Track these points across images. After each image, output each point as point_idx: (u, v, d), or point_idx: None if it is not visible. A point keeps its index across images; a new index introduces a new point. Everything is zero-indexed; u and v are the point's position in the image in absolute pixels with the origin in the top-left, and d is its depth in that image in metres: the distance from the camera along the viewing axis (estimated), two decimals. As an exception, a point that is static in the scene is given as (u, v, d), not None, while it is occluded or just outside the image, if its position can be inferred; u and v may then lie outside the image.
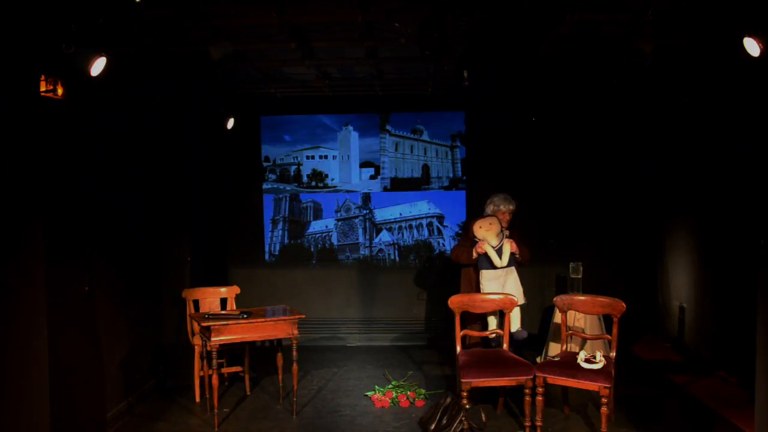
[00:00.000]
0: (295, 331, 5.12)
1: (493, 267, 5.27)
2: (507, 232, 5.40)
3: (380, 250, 7.73)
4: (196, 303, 5.79)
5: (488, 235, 5.29)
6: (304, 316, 5.15)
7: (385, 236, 7.74)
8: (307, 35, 4.93)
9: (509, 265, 5.29)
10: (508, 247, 5.27)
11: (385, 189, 7.70)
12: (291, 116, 7.72)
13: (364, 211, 7.72)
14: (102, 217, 4.99)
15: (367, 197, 7.72)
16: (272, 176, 7.78)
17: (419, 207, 7.70)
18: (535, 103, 7.11)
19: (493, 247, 5.26)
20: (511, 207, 5.50)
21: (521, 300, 5.23)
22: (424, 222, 7.70)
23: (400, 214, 7.73)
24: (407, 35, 4.62)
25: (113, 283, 5.17)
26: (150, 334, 5.96)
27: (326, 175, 7.75)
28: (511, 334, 5.06)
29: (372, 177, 7.71)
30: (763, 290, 3.63)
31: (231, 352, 5.82)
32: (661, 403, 5.36)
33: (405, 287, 7.69)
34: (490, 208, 5.49)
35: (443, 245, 7.67)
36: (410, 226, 7.73)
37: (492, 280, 5.29)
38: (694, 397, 5.05)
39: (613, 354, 4.76)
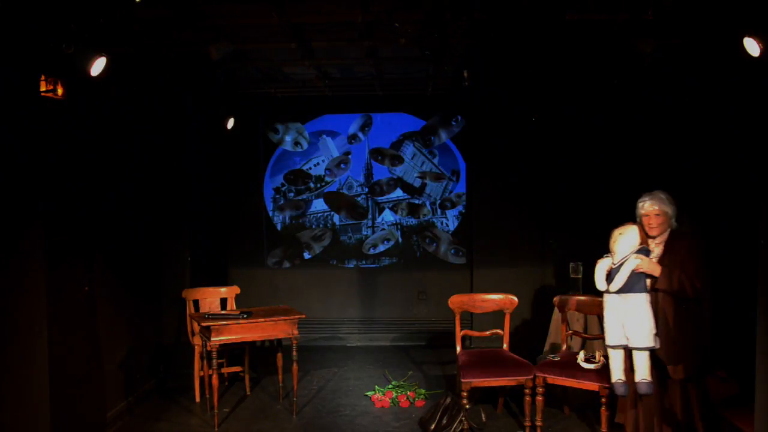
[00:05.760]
0: (295, 331, 5.12)
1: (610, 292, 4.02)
2: (650, 245, 4.05)
3: (379, 258, 7.73)
4: (196, 303, 5.79)
5: (616, 247, 4.01)
6: (304, 316, 5.15)
7: (387, 215, 7.71)
8: (307, 35, 4.93)
9: (632, 291, 3.90)
10: (630, 266, 3.89)
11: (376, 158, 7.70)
12: (291, 116, 7.72)
13: (366, 189, 7.69)
14: (102, 217, 5.00)
15: (369, 175, 7.70)
16: (273, 177, 7.78)
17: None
18: (536, 103, 7.11)
19: (615, 265, 3.97)
20: (655, 207, 4.04)
21: (646, 342, 3.86)
22: (427, 202, 7.68)
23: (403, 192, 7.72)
24: (407, 35, 4.62)
25: (113, 283, 5.17)
26: (150, 334, 5.97)
27: (326, 176, 7.75)
28: (635, 383, 3.96)
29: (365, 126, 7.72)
30: (763, 290, 3.63)
31: (231, 352, 5.82)
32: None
33: (405, 287, 7.69)
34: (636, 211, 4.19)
35: (447, 225, 7.64)
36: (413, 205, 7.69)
37: (609, 310, 3.99)
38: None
39: (613, 354, 4.75)
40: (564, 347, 5.06)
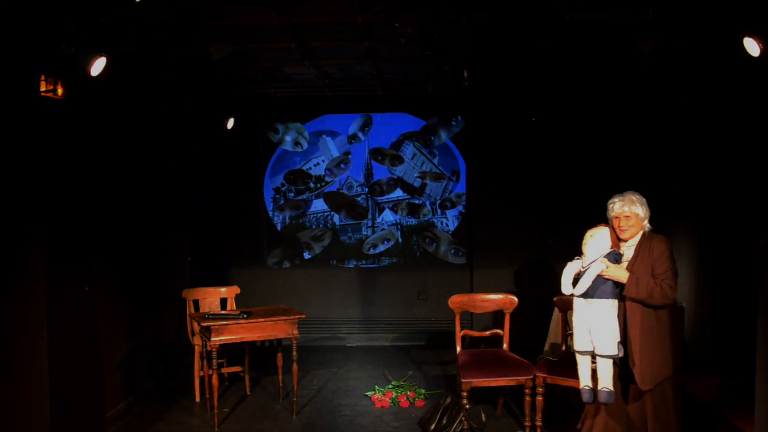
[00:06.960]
0: (295, 331, 5.13)
1: (580, 295, 3.77)
2: (620, 248, 3.84)
3: (379, 258, 7.73)
4: (196, 303, 5.79)
5: (586, 249, 3.81)
6: (304, 316, 5.15)
7: (387, 215, 7.70)
8: (307, 35, 4.93)
9: (597, 296, 3.69)
10: (594, 271, 3.69)
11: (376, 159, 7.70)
12: (291, 116, 7.72)
13: (366, 189, 7.69)
14: (102, 217, 5.00)
15: (369, 175, 7.69)
16: (273, 177, 7.78)
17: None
18: (536, 103, 7.11)
19: (583, 268, 3.77)
20: (625, 209, 3.82)
21: (609, 350, 3.67)
22: (427, 202, 7.68)
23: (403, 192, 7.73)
24: (407, 35, 4.62)
25: (113, 283, 5.17)
26: (150, 334, 5.97)
27: (326, 176, 7.75)
28: (597, 391, 3.78)
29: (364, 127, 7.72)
30: (763, 290, 3.63)
31: (231, 352, 5.82)
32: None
33: (405, 287, 7.69)
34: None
35: (447, 225, 7.64)
36: (413, 205, 7.69)
37: (577, 314, 3.81)
38: (693, 397, 5.05)
39: (613, 354, 4.75)
40: (564, 347, 5.06)
